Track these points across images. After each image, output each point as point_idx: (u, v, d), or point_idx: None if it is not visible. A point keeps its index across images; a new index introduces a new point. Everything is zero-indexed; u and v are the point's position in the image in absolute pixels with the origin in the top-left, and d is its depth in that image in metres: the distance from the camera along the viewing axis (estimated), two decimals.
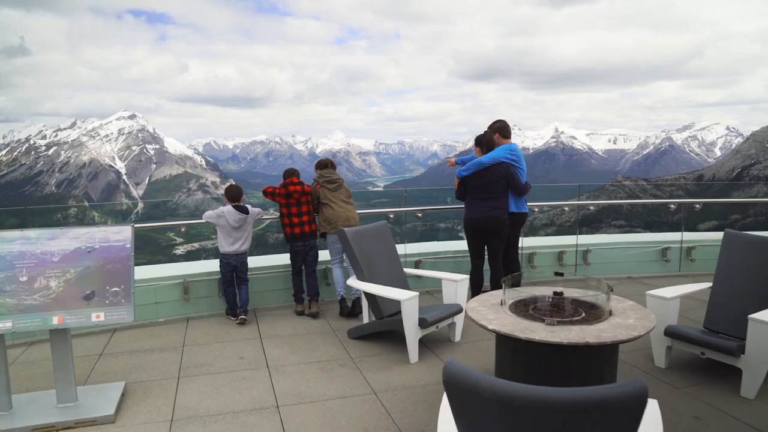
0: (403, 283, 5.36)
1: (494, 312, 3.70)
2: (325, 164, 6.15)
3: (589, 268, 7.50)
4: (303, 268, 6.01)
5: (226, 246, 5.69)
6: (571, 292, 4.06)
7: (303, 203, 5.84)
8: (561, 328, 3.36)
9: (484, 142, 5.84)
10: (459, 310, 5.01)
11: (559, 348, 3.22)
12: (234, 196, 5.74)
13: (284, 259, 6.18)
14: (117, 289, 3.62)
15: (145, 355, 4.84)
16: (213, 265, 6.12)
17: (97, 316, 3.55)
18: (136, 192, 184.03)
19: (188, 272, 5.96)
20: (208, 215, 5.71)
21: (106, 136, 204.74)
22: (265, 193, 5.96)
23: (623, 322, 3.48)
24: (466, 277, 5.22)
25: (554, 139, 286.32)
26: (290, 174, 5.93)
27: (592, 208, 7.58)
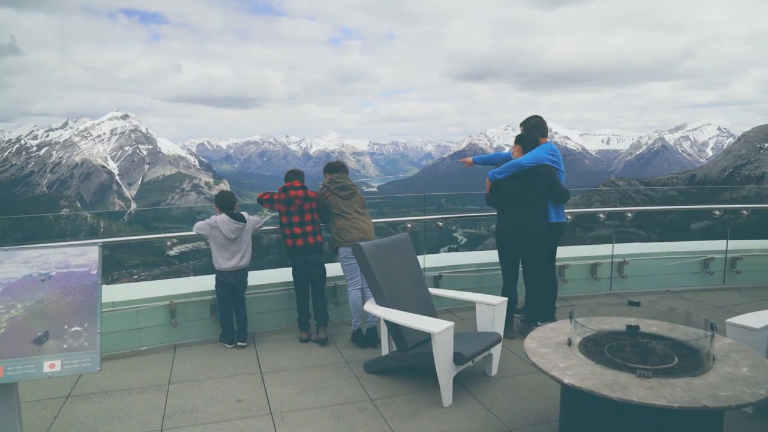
0: (428, 306, 4.56)
1: (564, 356, 2.91)
2: (336, 167, 5.27)
3: (625, 281, 6.74)
4: (309, 287, 5.18)
5: (222, 261, 4.87)
6: (647, 326, 3.28)
7: (306, 211, 5.02)
8: (659, 382, 2.57)
9: (528, 142, 5.04)
10: (498, 341, 4.21)
11: (661, 411, 2.44)
12: (227, 203, 4.92)
13: (285, 274, 5.36)
14: (78, 328, 2.80)
15: (122, 397, 4.00)
16: (204, 283, 5.30)
17: (51, 366, 2.73)
18: (129, 193, 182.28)
19: (175, 292, 5.11)
20: (200, 227, 4.89)
21: (99, 136, 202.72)
22: (261, 200, 5.11)
23: (735, 372, 2.69)
24: (505, 300, 4.42)
25: (548, 140, 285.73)
26: (292, 177, 5.11)
27: (629, 215, 6.79)
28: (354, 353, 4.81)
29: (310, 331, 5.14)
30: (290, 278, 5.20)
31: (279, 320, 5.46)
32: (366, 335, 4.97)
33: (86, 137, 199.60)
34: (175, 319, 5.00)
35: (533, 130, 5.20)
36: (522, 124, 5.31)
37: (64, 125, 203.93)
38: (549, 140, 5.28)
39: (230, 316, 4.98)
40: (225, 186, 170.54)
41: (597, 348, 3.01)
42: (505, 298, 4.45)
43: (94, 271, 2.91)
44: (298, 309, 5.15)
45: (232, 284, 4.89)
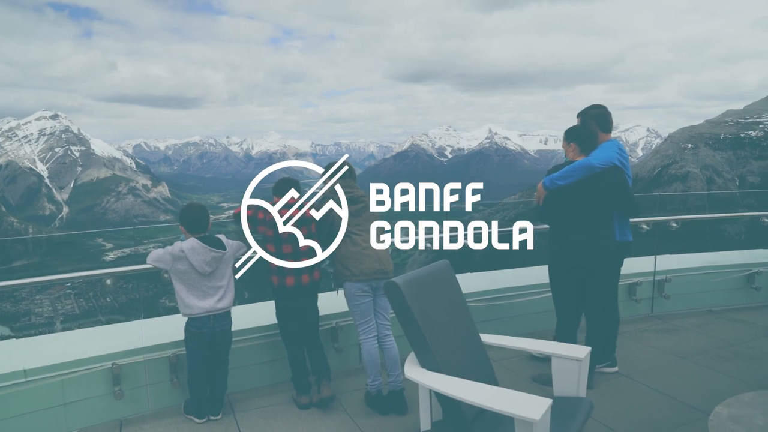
0: (485, 363, 3.30)
1: None
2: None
3: (667, 301, 5.72)
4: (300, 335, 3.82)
5: (193, 301, 3.42)
6: None
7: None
8: None
9: (588, 139, 3.86)
10: (590, 410, 3.02)
11: None
12: (198, 223, 3.48)
13: (266, 312, 3.96)
14: None
15: None
16: (159, 330, 3.87)
17: None
18: (60, 196, 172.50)
19: (120, 347, 3.61)
20: (158, 258, 3.43)
21: (26, 137, 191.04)
22: (239, 218, 3.67)
23: None
24: (589, 350, 3.22)
25: (488, 140, 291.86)
26: (284, 187, 3.72)
27: (675, 224, 5.77)
28: (374, 424, 3.51)
29: (311, 394, 3.78)
30: (273, 318, 3.85)
31: (262, 377, 4.07)
32: (388, 397, 3.67)
33: (11, 138, 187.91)
34: (120, 386, 3.53)
35: (593, 122, 4.02)
36: (579, 115, 4.11)
37: None
38: (612, 137, 4.11)
39: (205, 381, 3.56)
40: (164, 189, 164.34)
41: None
42: (589, 348, 3.25)
43: None
44: (291, 366, 3.78)
45: (209, 336, 3.47)
